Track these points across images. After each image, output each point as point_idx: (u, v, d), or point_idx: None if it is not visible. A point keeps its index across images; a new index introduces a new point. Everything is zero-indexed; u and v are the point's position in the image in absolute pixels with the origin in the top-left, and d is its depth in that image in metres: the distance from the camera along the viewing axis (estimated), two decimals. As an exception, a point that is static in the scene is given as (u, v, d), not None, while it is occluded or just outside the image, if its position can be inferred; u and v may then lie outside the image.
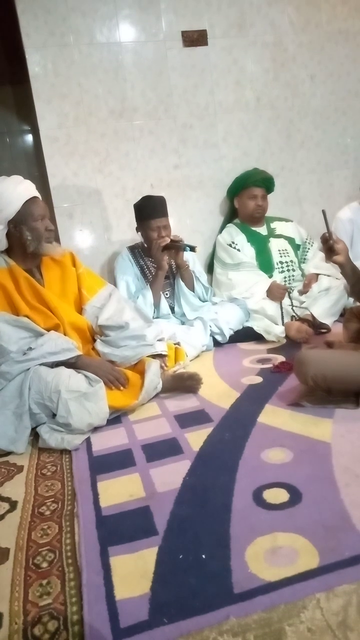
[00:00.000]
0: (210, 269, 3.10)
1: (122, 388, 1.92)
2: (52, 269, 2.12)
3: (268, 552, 1.07)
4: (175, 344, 2.34)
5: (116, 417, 1.90)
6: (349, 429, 1.55)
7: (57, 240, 2.64)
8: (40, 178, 3.19)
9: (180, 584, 1.03)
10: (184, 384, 2.01)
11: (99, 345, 2.10)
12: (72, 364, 1.90)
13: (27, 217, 1.97)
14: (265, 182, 2.98)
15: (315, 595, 0.93)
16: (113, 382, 1.92)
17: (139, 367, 2.04)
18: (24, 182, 2.01)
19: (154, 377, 1.97)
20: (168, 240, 2.54)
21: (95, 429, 1.82)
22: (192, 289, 2.70)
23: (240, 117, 3.10)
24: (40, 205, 2.02)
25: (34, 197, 2.01)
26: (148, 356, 2.06)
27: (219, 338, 2.62)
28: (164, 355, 2.13)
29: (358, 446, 1.44)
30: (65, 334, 2.02)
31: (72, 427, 1.71)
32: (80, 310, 2.17)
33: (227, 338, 2.62)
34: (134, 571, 1.08)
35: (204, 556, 1.09)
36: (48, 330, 1.96)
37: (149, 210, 2.59)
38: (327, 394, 1.72)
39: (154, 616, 0.96)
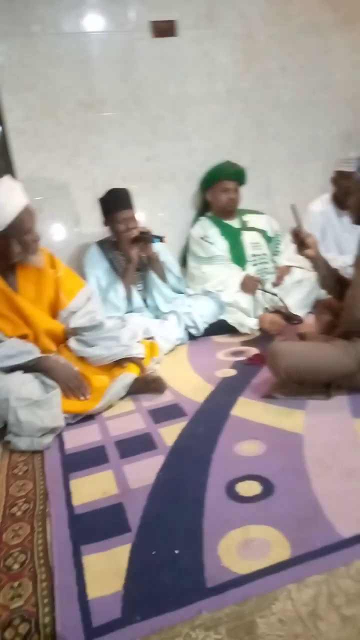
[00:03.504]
0: (184, 262, 3.09)
1: (82, 398, 1.85)
2: (28, 271, 2.00)
3: (240, 545, 1.07)
4: (149, 339, 2.32)
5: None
6: (320, 420, 1.57)
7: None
8: (7, 171, 3.11)
9: (153, 581, 1.02)
10: (149, 386, 1.99)
11: (72, 343, 2.05)
12: (31, 367, 1.84)
13: (17, 230, 1.84)
14: (238, 175, 2.98)
15: (287, 586, 0.94)
16: (73, 390, 1.84)
17: (113, 371, 2.00)
18: (15, 188, 1.86)
19: (121, 389, 1.94)
20: (136, 232, 2.51)
21: (68, 425, 1.80)
22: (164, 280, 2.68)
23: (211, 109, 3.07)
24: (31, 214, 1.89)
25: (25, 206, 1.86)
26: (125, 359, 2.02)
27: (193, 331, 2.61)
28: (141, 358, 2.09)
29: (329, 437, 1.46)
30: (38, 342, 1.95)
31: (25, 434, 1.67)
32: (55, 314, 2.09)
33: (202, 331, 2.62)
34: (107, 569, 1.08)
35: (177, 552, 1.09)
36: None
37: (114, 203, 2.56)
38: (299, 385, 1.74)
39: (127, 614, 0.95)
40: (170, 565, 1.05)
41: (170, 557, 1.08)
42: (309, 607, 0.88)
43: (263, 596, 0.92)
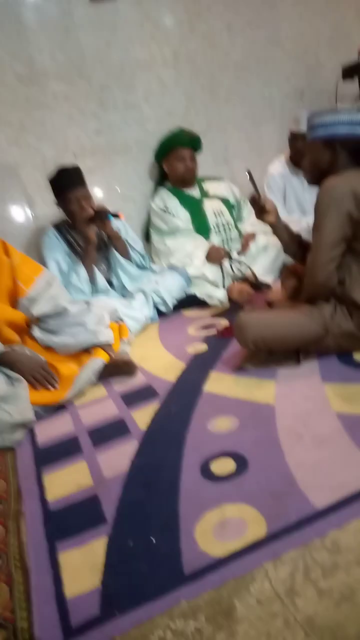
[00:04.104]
0: (147, 237, 3.01)
1: (51, 388, 1.81)
2: None
3: (217, 527, 1.06)
4: (117, 321, 2.27)
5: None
6: (291, 388, 1.56)
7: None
8: None
9: (130, 572, 1.01)
10: (119, 370, 1.95)
11: (36, 332, 1.99)
12: None
13: None
14: (192, 142, 2.88)
15: (264, 565, 0.93)
16: (41, 381, 1.80)
17: (81, 358, 1.95)
18: None
19: (91, 375, 1.89)
20: (91, 211, 2.42)
21: (39, 417, 1.76)
22: (127, 258, 2.61)
23: (159, 74, 2.95)
24: None
25: None
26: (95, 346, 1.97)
27: (162, 308, 2.57)
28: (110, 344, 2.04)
29: (300, 405, 1.45)
30: (0, 335, 1.88)
31: None
32: (14, 303, 2.00)
33: (171, 307, 2.58)
34: (84, 565, 1.06)
35: (154, 540, 1.07)
36: None
37: (64, 182, 2.45)
38: (269, 354, 1.72)
39: (105, 610, 0.94)
40: (148, 555, 1.04)
41: (147, 546, 1.06)
42: (286, 584, 0.88)
43: (240, 578, 0.91)
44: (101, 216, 2.43)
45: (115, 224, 2.55)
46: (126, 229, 2.70)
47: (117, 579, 1.00)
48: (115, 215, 2.44)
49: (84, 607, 0.95)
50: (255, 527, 1.03)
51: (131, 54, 2.86)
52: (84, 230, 2.44)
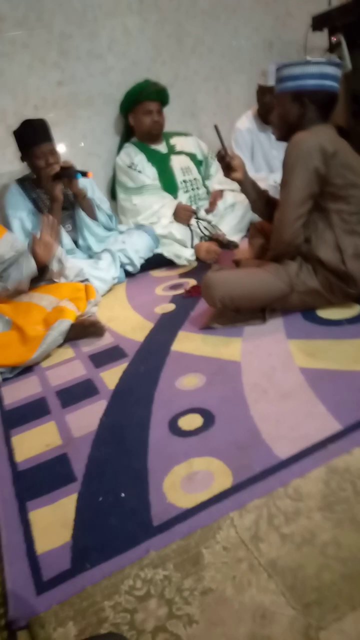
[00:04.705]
0: (113, 195, 2.94)
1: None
2: None
3: (185, 480, 1.09)
4: (83, 281, 2.23)
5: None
6: (256, 345, 1.58)
7: None
8: None
9: (101, 527, 1.03)
10: (87, 331, 1.93)
11: None
12: None
13: None
14: (160, 95, 2.78)
15: (230, 514, 0.96)
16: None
17: (48, 319, 1.91)
18: None
19: (58, 336, 1.86)
20: (58, 168, 2.33)
21: (5, 380, 1.74)
22: (94, 218, 2.55)
23: (124, 22, 2.80)
24: None
25: None
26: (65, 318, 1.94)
27: (129, 268, 2.55)
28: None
29: (265, 361, 1.47)
30: None
31: None
32: None
33: (139, 267, 2.55)
34: (55, 522, 1.07)
35: (123, 495, 1.09)
36: None
37: (30, 136, 2.33)
38: (236, 313, 1.74)
39: (77, 563, 0.96)
40: (117, 509, 1.06)
41: (116, 501, 1.08)
42: (250, 531, 0.91)
43: (207, 527, 0.94)
44: (68, 173, 2.33)
45: (82, 182, 2.46)
46: (93, 188, 2.62)
47: (88, 534, 1.02)
48: (84, 174, 2.34)
49: (55, 562, 0.97)
50: (221, 478, 1.06)
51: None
52: (50, 187, 2.35)
